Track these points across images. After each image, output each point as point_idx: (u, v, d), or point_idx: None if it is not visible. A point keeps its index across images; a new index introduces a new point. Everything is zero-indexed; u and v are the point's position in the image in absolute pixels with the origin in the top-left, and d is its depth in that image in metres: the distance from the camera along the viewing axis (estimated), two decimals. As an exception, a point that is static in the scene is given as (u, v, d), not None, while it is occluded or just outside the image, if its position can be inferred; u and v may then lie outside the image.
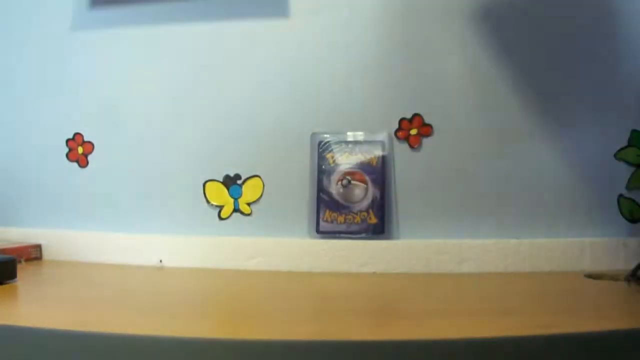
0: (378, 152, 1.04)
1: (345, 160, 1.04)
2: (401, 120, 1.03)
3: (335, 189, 1.04)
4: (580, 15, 1.01)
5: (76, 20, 1.14)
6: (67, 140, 1.13)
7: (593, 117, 1.01)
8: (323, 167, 1.04)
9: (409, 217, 1.02)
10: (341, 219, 1.02)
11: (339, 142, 1.05)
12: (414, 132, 1.03)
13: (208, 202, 1.07)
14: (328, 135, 1.05)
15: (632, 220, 1.00)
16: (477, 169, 1.02)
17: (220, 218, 1.07)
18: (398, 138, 1.04)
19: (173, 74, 1.10)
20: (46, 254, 1.09)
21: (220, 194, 1.07)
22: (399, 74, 1.04)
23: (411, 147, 1.03)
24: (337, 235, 1.01)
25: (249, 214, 1.06)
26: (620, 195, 1.00)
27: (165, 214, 1.09)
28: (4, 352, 0.48)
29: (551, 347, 0.50)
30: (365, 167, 1.04)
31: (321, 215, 1.03)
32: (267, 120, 1.07)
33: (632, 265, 0.86)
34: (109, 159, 1.12)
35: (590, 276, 0.91)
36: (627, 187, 1.00)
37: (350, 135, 1.05)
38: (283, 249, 1.01)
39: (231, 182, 1.07)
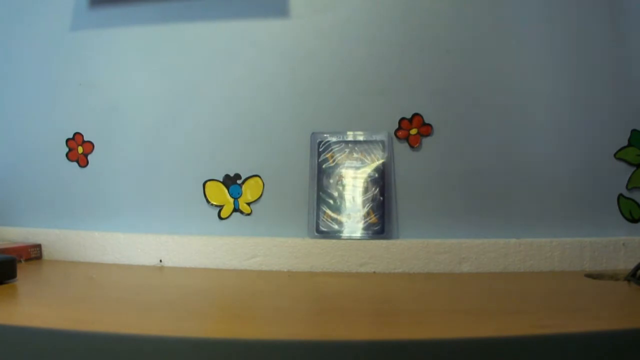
0: (378, 152, 1.04)
1: (345, 160, 1.04)
2: (401, 120, 1.04)
3: (335, 189, 1.04)
4: (580, 15, 1.01)
5: (76, 19, 1.14)
6: (67, 140, 1.14)
7: (593, 116, 1.01)
8: (323, 167, 1.04)
9: (409, 217, 1.02)
10: (341, 218, 1.02)
11: (339, 142, 1.05)
12: (414, 131, 1.03)
13: (208, 201, 1.07)
14: (328, 135, 1.05)
15: (632, 220, 1.00)
16: (477, 168, 1.02)
17: (220, 218, 1.07)
18: (398, 138, 1.04)
19: (173, 74, 1.10)
20: (46, 254, 1.09)
21: (220, 194, 1.07)
22: (399, 73, 1.04)
23: (411, 146, 1.03)
24: (337, 235, 1.01)
25: (249, 214, 1.06)
26: (620, 195, 1.00)
27: (165, 214, 1.09)
28: (4, 352, 0.48)
29: (551, 347, 0.50)
30: (365, 167, 1.04)
31: (321, 215, 1.03)
32: (267, 120, 1.07)
33: (632, 265, 0.86)
34: (109, 159, 1.12)
35: (590, 276, 0.91)
36: (627, 187, 1.00)
37: (350, 135, 1.05)
38: (283, 248, 1.00)
39: (231, 182, 1.07)
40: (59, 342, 0.52)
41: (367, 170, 1.04)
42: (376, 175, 1.03)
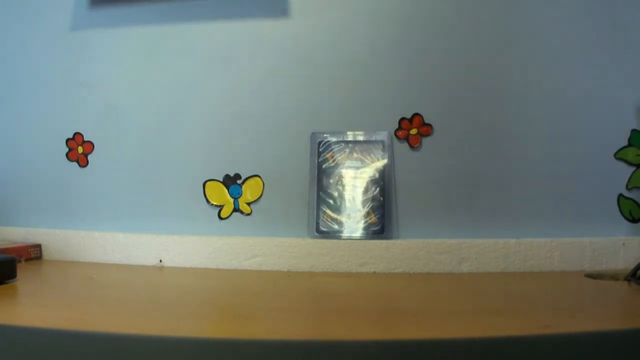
0: (378, 152, 1.04)
1: (345, 160, 1.04)
2: (401, 120, 1.04)
3: (335, 189, 1.04)
4: (581, 14, 1.01)
5: (76, 19, 1.14)
6: (67, 140, 1.14)
7: (593, 116, 1.01)
8: (323, 167, 1.04)
9: (409, 217, 1.02)
10: (341, 218, 1.02)
11: (339, 142, 1.05)
12: (413, 131, 1.03)
13: (208, 201, 1.07)
14: (328, 135, 1.05)
15: (632, 220, 1.00)
16: (477, 168, 1.02)
17: (220, 218, 1.07)
18: (398, 138, 1.04)
19: (173, 74, 1.10)
20: (46, 254, 1.09)
21: (220, 194, 1.07)
22: (399, 73, 1.04)
23: (411, 146, 1.03)
24: (337, 235, 1.01)
25: (249, 214, 1.06)
26: (620, 195, 1.00)
27: (165, 214, 1.09)
28: (4, 352, 0.48)
29: (551, 347, 0.50)
30: (366, 167, 1.04)
31: (321, 215, 1.03)
32: (267, 120, 1.07)
33: (632, 265, 0.86)
34: (109, 159, 1.12)
35: (590, 276, 0.91)
36: (627, 187, 1.00)
37: (350, 135, 1.05)
38: (283, 248, 1.00)
39: (231, 182, 1.07)
40: (59, 342, 0.52)
41: (367, 170, 1.04)
42: (376, 175, 1.03)
